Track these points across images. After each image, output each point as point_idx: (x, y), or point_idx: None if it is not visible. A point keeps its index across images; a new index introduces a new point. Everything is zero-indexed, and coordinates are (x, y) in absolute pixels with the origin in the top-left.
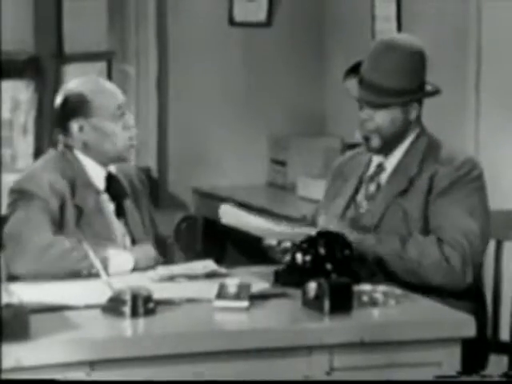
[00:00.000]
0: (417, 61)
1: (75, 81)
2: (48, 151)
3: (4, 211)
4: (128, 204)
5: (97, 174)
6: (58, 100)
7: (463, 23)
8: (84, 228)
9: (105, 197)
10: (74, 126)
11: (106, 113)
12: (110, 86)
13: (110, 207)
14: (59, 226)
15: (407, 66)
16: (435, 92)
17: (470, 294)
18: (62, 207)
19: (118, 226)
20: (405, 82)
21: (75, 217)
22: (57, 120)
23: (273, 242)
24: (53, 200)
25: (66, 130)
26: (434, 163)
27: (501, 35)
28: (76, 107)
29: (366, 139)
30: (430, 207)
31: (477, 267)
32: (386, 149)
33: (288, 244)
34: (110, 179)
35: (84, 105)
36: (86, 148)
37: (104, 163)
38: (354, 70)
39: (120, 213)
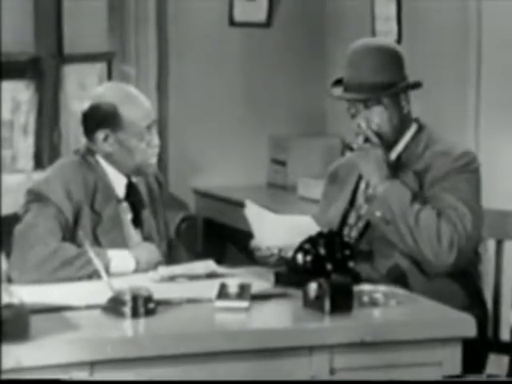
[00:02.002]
0: (394, 57)
1: (105, 87)
2: (70, 154)
3: (18, 210)
4: (146, 214)
5: (118, 181)
6: (87, 105)
7: (463, 22)
8: (100, 236)
9: (124, 205)
10: (100, 135)
11: (134, 130)
12: (142, 100)
13: (128, 216)
14: (73, 232)
15: (387, 61)
16: (418, 84)
17: (469, 294)
18: (78, 214)
19: (134, 236)
20: (389, 76)
21: (92, 224)
22: (83, 126)
23: (261, 244)
24: (67, 206)
25: (90, 137)
26: (432, 155)
27: (501, 34)
28: (105, 118)
29: (367, 140)
30: (425, 194)
31: (465, 254)
32: (387, 147)
33: (275, 250)
34: (130, 187)
35: (114, 117)
36: (108, 157)
37: (124, 173)
38: (337, 82)
39: (137, 222)
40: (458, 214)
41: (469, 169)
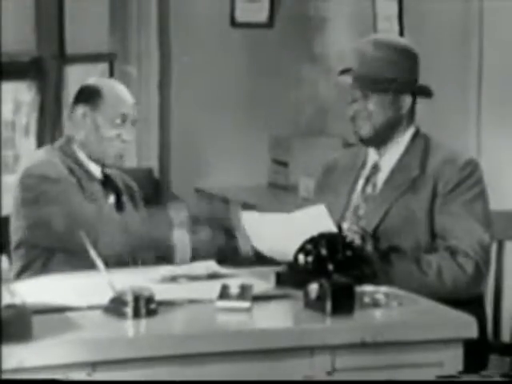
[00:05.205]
0: (406, 56)
1: (97, 77)
2: (46, 146)
3: (23, 194)
4: (125, 199)
5: (94, 168)
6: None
7: (465, 22)
8: None
9: (105, 188)
10: (80, 110)
11: (109, 115)
12: (126, 93)
13: (111, 199)
14: None
15: (396, 58)
16: (428, 91)
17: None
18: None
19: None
20: (395, 72)
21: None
22: (70, 107)
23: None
24: (72, 180)
25: (71, 115)
26: (437, 163)
27: (502, 35)
28: (88, 95)
29: (357, 128)
30: (436, 208)
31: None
32: (377, 141)
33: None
34: (105, 177)
35: (95, 96)
36: (83, 145)
37: (95, 162)
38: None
39: (119, 206)
40: (480, 241)
41: (476, 179)
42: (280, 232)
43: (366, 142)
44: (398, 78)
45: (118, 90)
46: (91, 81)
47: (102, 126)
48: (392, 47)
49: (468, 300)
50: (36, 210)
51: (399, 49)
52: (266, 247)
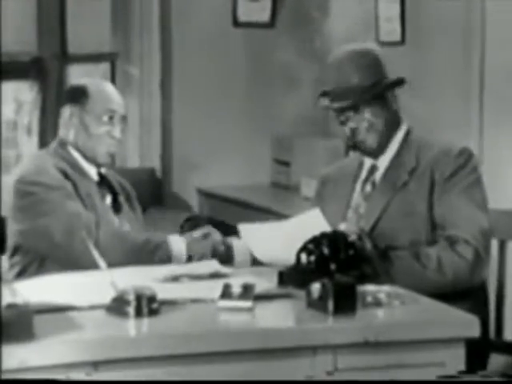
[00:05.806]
0: (372, 58)
1: (84, 78)
2: (42, 150)
3: (17, 202)
4: (122, 200)
5: (89, 169)
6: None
7: (467, 24)
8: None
9: (102, 189)
10: (67, 111)
11: (96, 112)
12: (112, 90)
13: (108, 200)
14: None
15: (365, 63)
16: (401, 81)
17: (471, 293)
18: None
19: (114, 219)
20: (372, 76)
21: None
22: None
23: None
24: (68, 184)
25: (60, 116)
26: (432, 154)
27: (505, 35)
28: (74, 94)
29: (361, 143)
30: (435, 199)
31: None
32: (381, 148)
33: None
34: (101, 178)
35: (81, 95)
36: (75, 145)
37: (90, 162)
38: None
39: (116, 207)
40: (481, 228)
41: (472, 166)
42: (278, 240)
43: (373, 153)
44: (377, 81)
45: (103, 88)
46: (77, 81)
47: (90, 123)
48: (357, 54)
49: (469, 288)
50: (30, 218)
51: (364, 53)
52: (266, 257)
